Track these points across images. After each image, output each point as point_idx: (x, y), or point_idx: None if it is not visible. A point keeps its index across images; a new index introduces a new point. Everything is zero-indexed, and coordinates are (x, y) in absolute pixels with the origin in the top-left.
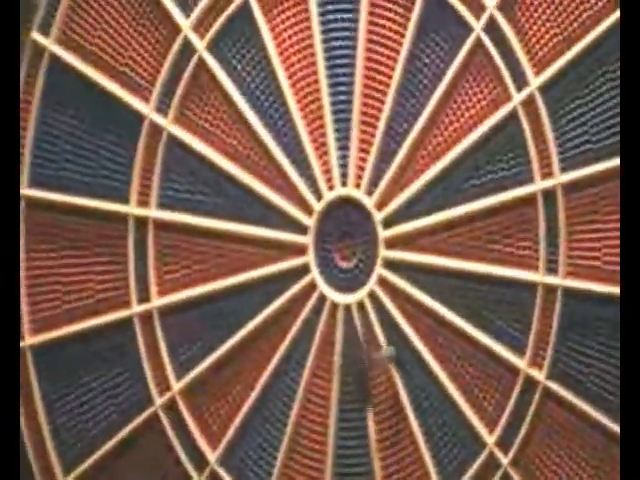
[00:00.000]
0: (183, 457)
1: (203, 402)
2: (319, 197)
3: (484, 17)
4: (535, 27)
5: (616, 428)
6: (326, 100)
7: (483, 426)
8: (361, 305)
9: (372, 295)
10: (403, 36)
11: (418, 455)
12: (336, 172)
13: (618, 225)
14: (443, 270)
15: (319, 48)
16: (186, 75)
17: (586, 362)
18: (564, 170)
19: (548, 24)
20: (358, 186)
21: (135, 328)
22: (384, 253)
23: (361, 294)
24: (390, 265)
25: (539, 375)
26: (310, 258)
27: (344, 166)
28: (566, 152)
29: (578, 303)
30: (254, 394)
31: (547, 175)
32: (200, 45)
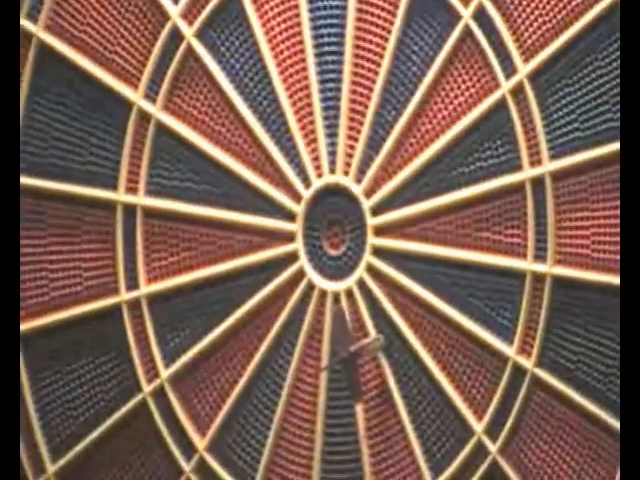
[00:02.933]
0: (171, 444)
1: (191, 389)
2: (307, 184)
3: (473, 4)
4: (524, 14)
5: (604, 416)
6: (315, 88)
7: (472, 414)
8: (350, 293)
9: (361, 283)
10: (392, 24)
11: (407, 443)
12: (325, 160)
13: (606, 213)
14: (431, 258)
15: (308, 36)
16: (174, 62)
17: (575, 350)
18: (553, 158)
19: (537, 12)
20: (346, 174)
21: (123, 316)
22: (372, 241)
23: (350, 282)
24: (378, 253)
25: (527, 363)
26: (299, 245)
27: (333, 153)
28: (555, 140)
29: (566, 291)
30: (242, 381)
31: (535, 163)
32: (188, 32)
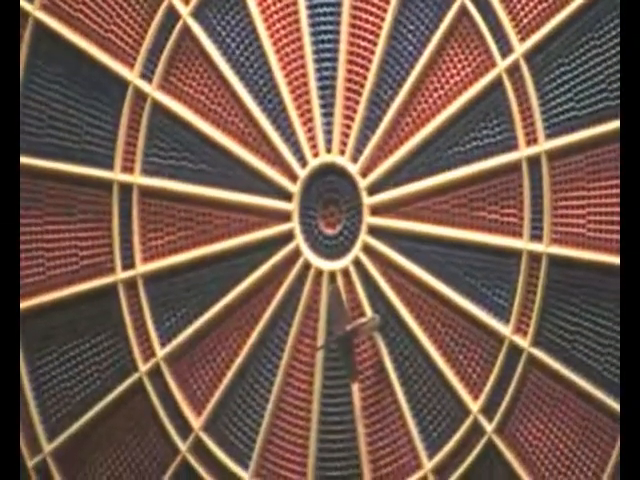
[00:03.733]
0: (167, 423)
1: (187, 368)
2: (304, 164)
3: None
4: None
5: (600, 395)
6: (311, 67)
7: (467, 393)
8: (346, 272)
9: (357, 262)
10: (388, 2)
11: (402, 422)
12: (321, 139)
13: (603, 192)
14: (427, 237)
15: (304, 14)
16: (170, 41)
17: (571, 329)
18: (549, 137)
19: None
20: (342, 153)
21: (119, 295)
22: (369, 220)
23: (346, 261)
24: (375, 232)
25: (523, 342)
26: (295, 225)
27: (329, 133)
28: (551, 119)
29: (562, 270)
30: (238, 360)
31: (532, 142)
32: (184, 11)
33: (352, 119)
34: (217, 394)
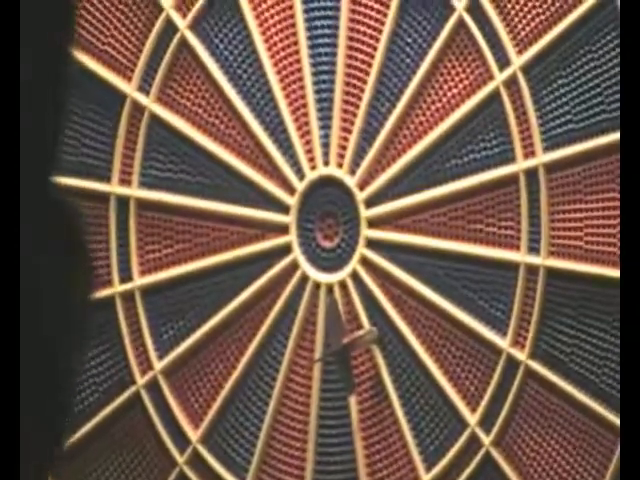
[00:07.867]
0: (165, 436)
1: (185, 381)
2: (301, 176)
3: None
4: (518, 6)
5: (597, 407)
6: (308, 80)
7: (465, 406)
8: (343, 285)
9: (354, 275)
10: (385, 15)
11: (400, 435)
12: (318, 151)
13: (600, 205)
14: (425, 250)
15: (301, 27)
16: (168, 54)
17: (568, 342)
18: (546, 149)
19: (530, 3)
20: (340, 166)
21: (117, 307)
22: (366, 233)
23: (343, 274)
24: (372, 245)
25: (521, 355)
26: (292, 237)
27: (326, 146)
28: (548, 131)
29: (560, 283)
30: (236, 373)
31: (529, 154)
32: (182, 24)
33: (350, 132)
34: (215, 407)
